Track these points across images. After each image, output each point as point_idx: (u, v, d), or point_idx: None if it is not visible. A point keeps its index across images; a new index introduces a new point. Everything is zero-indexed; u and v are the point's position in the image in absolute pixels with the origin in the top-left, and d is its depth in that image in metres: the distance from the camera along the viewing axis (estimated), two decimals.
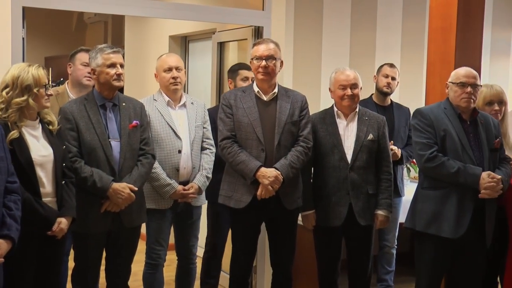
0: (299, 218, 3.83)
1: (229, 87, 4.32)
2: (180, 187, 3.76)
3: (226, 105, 3.64)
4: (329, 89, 3.82)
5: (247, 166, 3.53)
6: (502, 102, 3.83)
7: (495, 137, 3.55)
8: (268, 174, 3.51)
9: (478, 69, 4.00)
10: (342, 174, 3.67)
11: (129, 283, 3.66)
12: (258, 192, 3.54)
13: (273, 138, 3.60)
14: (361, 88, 3.79)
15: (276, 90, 3.68)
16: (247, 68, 4.24)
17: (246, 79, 4.23)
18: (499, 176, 3.41)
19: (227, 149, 3.58)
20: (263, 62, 3.59)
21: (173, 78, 3.78)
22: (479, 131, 3.52)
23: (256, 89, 3.66)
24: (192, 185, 3.80)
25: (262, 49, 3.61)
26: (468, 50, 4.01)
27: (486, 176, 3.38)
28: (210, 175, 3.88)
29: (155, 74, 3.89)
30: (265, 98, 3.65)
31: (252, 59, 3.64)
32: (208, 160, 3.89)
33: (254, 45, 3.68)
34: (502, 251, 3.64)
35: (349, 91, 3.70)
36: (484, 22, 4.66)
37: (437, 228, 3.45)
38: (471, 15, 3.99)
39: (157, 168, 3.71)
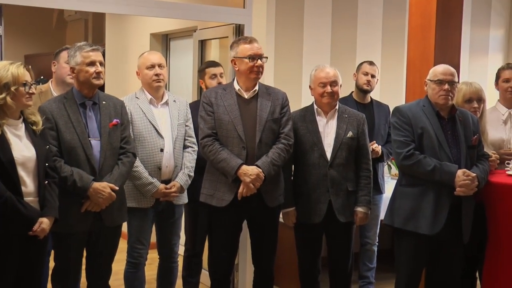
0: (280, 215, 3.84)
1: (202, 88, 4.33)
2: (162, 186, 3.75)
3: (206, 103, 3.63)
4: (309, 86, 3.84)
5: (229, 164, 3.53)
6: (480, 99, 3.87)
7: (473, 134, 3.59)
8: (250, 172, 3.51)
9: (457, 67, 4.04)
10: (321, 172, 3.69)
11: (110, 282, 3.65)
12: (240, 190, 3.54)
13: (254, 135, 3.60)
14: (340, 86, 3.81)
15: (257, 87, 3.68)
16: (213, 65, 4.25)
17: (214, 76, 4.22)
18: (474, 174, 3.44)
19: (208, 147, 3.58)
20: (259, 61, 3.59)
21: (156, 75, 3.78)
22: (457, 128, 3.56)
23: (237, 87, 3.66)
24: (174, 183, 3.80)
25: (256, 47, 3.61)
26: (447, 48, 4.04)
27: (461, 174, 3.41)
28: (192, 174, 3.87)
29: (137, 72, 3.87)
30: (246, 96, 3.65)
31: (241, 57, 3.59)
32: (190, 159, 3.88)
33: (241, 43, 3.62)
34: (481, 247, 3.68)
35: (328, 89, 3.72)
36: (463, 21, 4.70)
37: (415, 225, 3.48)
38: (450, 13, 4.02)
39: (139, 166, 3.70)
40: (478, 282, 3.95)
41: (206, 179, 3.71)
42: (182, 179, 3.83)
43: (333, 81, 3.72)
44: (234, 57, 3.63)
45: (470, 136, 3.57)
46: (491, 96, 4.47)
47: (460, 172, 3.42)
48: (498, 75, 4.26)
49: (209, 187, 3.67)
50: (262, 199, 3.64)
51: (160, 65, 3.80)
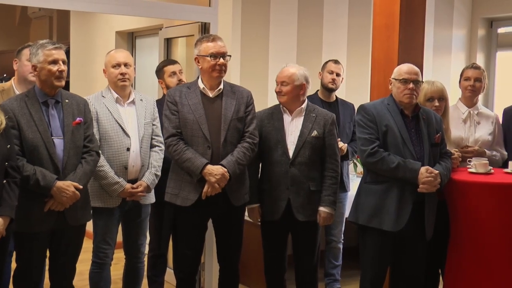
0: (246, 213, 3.84)
1: (162, 88, 4.31)
2: (128, 185, 3.72)
3: (171, 102, 3.61)
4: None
5: (193, 163, 3.52)
6: (442, 98, 3.91)
7: (436, 132, 3.64)
8: (215, 171, 3.51)
9: (420, 66, 4.08)
10: (283, 169, 3.70)
11: (75, 282, 3.60)
12: (204, 190, 3.53)
13: (219, 135, 3.60)
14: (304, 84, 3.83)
15: (221, 86, 3.67)
16: (171, 63, 4.25)
17: (173, 74, 4.21)
18: (437, 171, 3.49)
19: (173, 147, 3.57)
20: (221, 60, 3.59)
21: (121, 74, 3.74)
22: (420, 126, 3.60)
23: (201, 85, 3.64)
24: (141, 183, 3.77)
25: (218, 46, 3.60)
26: (411, 47, 4.07)
27: (424, 171, 3.46)
28: (159, 173, 3.85)
29: (103, 70, 3.84)
30: (210, 94, 3.64)
31: (203, 55, 3.59)
32: (157, 158, 3.86)
33: (204, 41, 3.61)
34: (444, 244, 3.74)
35: (277, 88, 3.79)
36: (427, 21, 4.74)
37: (379, 222, 3.52)
38: (414, 13, 4.06)
39: (105, 166, 3.66)
40: (441, 278, 4.01)
41: (170, 178, 3.70)
42: (149, 178, 3.80)
43: (282, 81, 3.76)
44: (197, 55, 3.62)
45: (433, 134, 3.62)
46: (455, 95, 4.54)
47: (423, 169, 3.47)
48: (462, 74, 4.31)
49: (174, 186, 3.65)
50: (227, 198, 3.63)
51: (126, 64, 3.77)
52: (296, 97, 3.77)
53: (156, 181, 3.84)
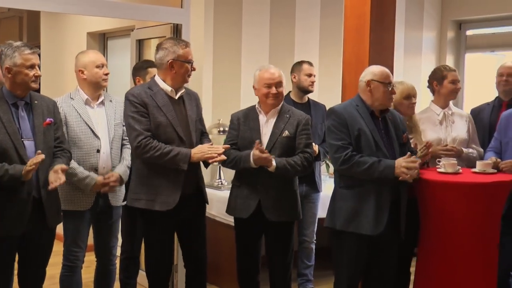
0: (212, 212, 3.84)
1: None
2: (100, 177, 3.69)
3: (139, 103, 3.52)
4: (253, 86, 3.83)
5: (181, 152, 3.49)
6: (415, 95, 4.00)
7: (402, 132, 3.68)
8: (204, 146, 3.55)
9: (391, 67, 4.14)
10: (254, 169, 3.69)
11: (45, 286, 3.57)
12: (196, 156, 3.51)
13: (190, 136, 3.61)
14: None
15: (183, 88, 3.67)
16: (154, 65, 4.24)
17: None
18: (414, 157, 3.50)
19: (150, 144, 3.47)
20: (194, 65, 3.62)
21: (105, 74, 3.79)
22: (389, 127, 3.64)
23: (166, 87, 3.59)
24: (113, 173, 3.73)
25: (191, 52, 3.61)
26: (381, 49, 4.12)
27: (401, 160, 3.46)
28: (130, 165, 3.81)
29: (80, 70, 3.80)
30: (175, 96, 3.62)
31: (182, 61, 3.55)
32: (129, 152, 3.83)
33: (182, 46, 3.56)
34: (414, 243, 3.78)
35: (274, 90, 3.74)
36: (398, 23, 4.81)
37: (357, 226, 3.49)
38: (384, 15, 4.10)
39: (72, 163, 3.62)
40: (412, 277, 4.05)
41: (143, 184, 3.58)
42: (121, 169, 3.78)
43: (278, 82, 3.74)
44: (173, 60, 3.54)
45: (401, 134, 3.66)
46: (425, 96, 4.60)
47: (400, 159, 3.47)
48: (444, 76, 4.28)
49: (148, 191, 3.56)
50: (202, 198, 3.69)
51: (106, 65, 3.84)
52: None
53: (128, 173, 3.79)
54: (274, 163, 3.63)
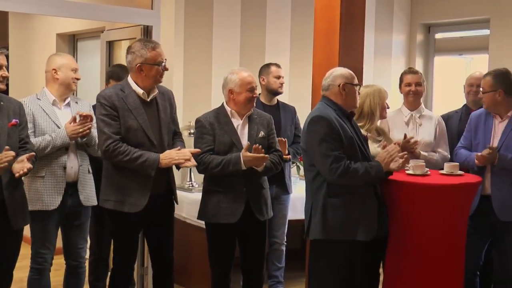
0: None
1: None
2: (66, 124, 3.68)
3: (109, 106, 3.50)
4: (230, 90, 3.75)
5: (150, 157, 3.47)
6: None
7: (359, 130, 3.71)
8: (172, 152, 3.52)
9: (360, 70, 4.17)
10: (239, 172, 3.65)
11: None
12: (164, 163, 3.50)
13: (162, 139, 3.60)
14: None
15: (156, 90, 3.65)
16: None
17: None
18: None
19: (119, 149, 3.45)
20: (166, 66, 3.60)
21: (77, 79, 3.86)
22: (356, 127, 3.65)
23: (139, 90, 3.57)
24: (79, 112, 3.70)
25: (162, 51, 3.59)
26: (351, 52, 4.14)
27: (381, 153, 3.48)
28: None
29: (54, 69, 3.79)
30: (148, 98, 3.61)
31: (151, 64, 3.53)
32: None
33: (150, 48, 3.53)
34: (384, 243, 3.81)
35: (256, 93, 3.77)
36: (368, 26, 4.86)
37: (354, 233, 3.42)
38: (353, 19, 4.12)
39: (34, 140, 3.58)
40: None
41: (112, 185, 3.57)
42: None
43: (256, 85, 3.78)
44: (141, 63, 3.52)
45: (362, 134, 3.68)
46: (395, 98, 4.66)
47: (380, 154, 3.49)
48: (401, 79, 4.45)
49: (117, 193, 3.55)
50: (170, 200, 3.68)
51: (78, 72, 3.90)
52: None
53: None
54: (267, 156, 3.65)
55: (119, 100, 3.53)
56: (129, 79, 3.61)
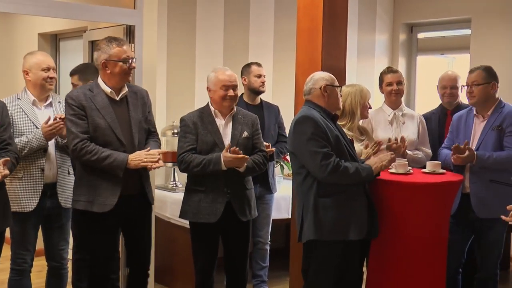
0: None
1: None
2: (43, 124, 3.64)
3: (77, 106, 3.49)
4: (208, 88, 3.80)
5: (117, 158, 3.46)
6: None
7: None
8: (141, 154, 3.51)
9: (343, 69, 4.19)
10: (220, 171, 3.66)
11: None
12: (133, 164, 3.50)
13: (132, 138, 3.58)
14: None
15: (126, 89, 3.64)
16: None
17: None
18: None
19: (87, 148, 3.45)
20: (134, 64, 3.59)
21: (50, 78, 3.76)
22: (341, 130, 3.66)
23: (107, 89, 3.57)
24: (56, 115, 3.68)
25: (128, 50, 3.59)
26: (334, 51, 4.15)
27: (372, 158, 3.55)
28: None
29: (25, 71, 3.75)
30: (117, 97, 3.60)
31: (115, 60, 3.53)
32: None
33: (112, 45, 3.54)
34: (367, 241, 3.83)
35: (231, 92, 3.73)
36: (351, 26, 4.87)
37: (346, 232, 3.43)
38: (336, 18, 4.13)
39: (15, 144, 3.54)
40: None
41: (81, 185, 3.57)
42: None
43: (235, 85, 3.75)
44: (106, 60, 3.53)
45: (345, 135, 3.69)
46: (378, 98, 4.68)
47: (372, 158, 3.56)
48: (382, 79, 4.46)
49: (87, 193, 3.53)
50: (145, 198, 3.66)
51: (54, 69, 3.80)
52: None
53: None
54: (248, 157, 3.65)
55: (86, 99, 3.52)
56: (99, 79, 3.61)
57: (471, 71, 4.05)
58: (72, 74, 4.36)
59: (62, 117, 3.61)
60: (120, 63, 3.53)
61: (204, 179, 3.70)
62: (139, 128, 3.62)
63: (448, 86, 4.63)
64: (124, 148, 3.52)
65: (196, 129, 3.73)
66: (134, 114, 3.60)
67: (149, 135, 3.73)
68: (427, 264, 3.63)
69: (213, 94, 3.77)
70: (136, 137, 3.58)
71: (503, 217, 3.33)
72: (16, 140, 3.57)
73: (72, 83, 4.33)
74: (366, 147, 3.92)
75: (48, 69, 3.76)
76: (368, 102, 3.99)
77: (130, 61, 3.56)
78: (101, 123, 3.50)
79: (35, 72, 3.74)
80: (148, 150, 3.54)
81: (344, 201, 3.45)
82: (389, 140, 4.05)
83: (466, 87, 4.04)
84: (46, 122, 3.64)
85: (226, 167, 3.63)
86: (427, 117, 4.66)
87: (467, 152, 3.83)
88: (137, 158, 3.49)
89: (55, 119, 3.63)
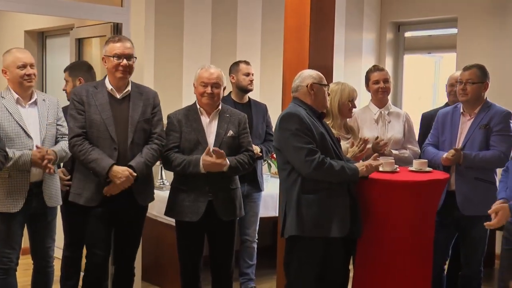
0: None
1: None
2: (34, 150, 3.60)
3: (77, 101, 3.59)
4: (194, 84, 3.84)
5: (99, 165, 3.50)
6: (356, 98, 4.06)
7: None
8: (120, 173, 3.51)
9: (330, 68, 4.20)
10: (198, 173, 3.66)
11: None
12: (106, 189, 3.54)
13: (126, 136, 3.59)
14: (225, 88, 3.84)
15: (129, 88, 3.67)
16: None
17: None
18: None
19: (78, 147, 3.54)
20: (124, 61, 3.59)
21: (27, 75, 3.68)
22: (328, 128, 3.68)
23: (109, 86, 3.64)
24: (48, 150, 3.64)
25: (122, 47, 3.60)
26: (321, 49, 4.15)
27: (353, 148, 3.58)
28: (67, 150, 3.74)
29: (3, 70, 3.73)
30: (118, 95, 3.63)
31: (108, 56, 3.60)
32: (65, 143, 3.75)
33: (110, 42, 3.65)
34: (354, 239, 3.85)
35: (209, 89, 3.72)
36: (339, 25, 4.89)
37: (327, 230, 3.44)
38: (324, 16, 4.14)
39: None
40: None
41: (74, 177, 3.69)
42: (57, 148, 3.72)
43: (215, 83, 3.73)
44: (104, 56, 3.64)
45: (333, 134, 3.70)
46: (365, 96, 4.69)
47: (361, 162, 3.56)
48: (368, 77, 4.45)
49: (77, 186, 3.64)
50: (133, 198, 3.65)
51: (31, 65, 3.72)
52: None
53: (64, 155, 3.75)
54: (227, 161, 3.64)
55: (87, 95, 3.60)
56: (106, 77, 3.68)
57: (465, 69, 4.08)
58: (64, 70, 4.35)
59: (50, 157, 3.58)
60: (111, 58, 3.58)
61: (187, 178, 3.72)
62: (137, 128, 3.62)
63: (455, 85, 4.63)
64: (115, 145, 3.55)
65: (180, 126, 3.74)
66: (133, 113, 3.62)
67: (150, 138, 3.69)
68: (413, 262, 3.65)
69: (195, 90, 3.81)
70: (131, 137, 3.59)
71: (490, 211, 3.37)
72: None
73: (65, 79, 4.32)
74: (352, 145, 3.93)
75: (24, 66, 3.67)
76: (350, 101, 3.96)
77: (123, 58, 3.57)
78: (96, 119, 3.56)
79: (12, 70, 3.69)
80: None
81: (327, 198, 3.46)
82: (377, 138, 4.06)
83: (459, 83, 4.07)
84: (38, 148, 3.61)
85: (205, 170, 3.63)
86: (432, 115, 4.64)
87: (454, 152, 3.87)
88: (117, 175, 3.50)
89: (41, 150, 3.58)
